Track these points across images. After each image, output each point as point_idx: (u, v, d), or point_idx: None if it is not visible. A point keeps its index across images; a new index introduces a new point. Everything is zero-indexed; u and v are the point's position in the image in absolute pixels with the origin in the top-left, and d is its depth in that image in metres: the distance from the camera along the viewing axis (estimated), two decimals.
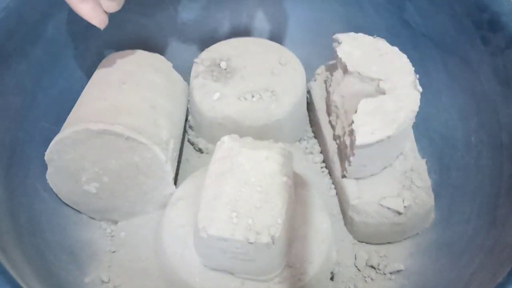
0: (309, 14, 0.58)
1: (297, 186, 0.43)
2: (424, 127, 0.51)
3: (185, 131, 0.54)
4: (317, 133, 0.54)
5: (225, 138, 0.42)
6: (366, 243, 0.48)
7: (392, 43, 0.47)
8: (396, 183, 0.46)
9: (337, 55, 0.47)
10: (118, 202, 0.46)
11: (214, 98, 0.50)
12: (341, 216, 0.49)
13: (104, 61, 0.50)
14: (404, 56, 0.46)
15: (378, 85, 0.44)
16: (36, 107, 0.47)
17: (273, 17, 0.59)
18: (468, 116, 0.48)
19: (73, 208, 0.47)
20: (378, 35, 0.48)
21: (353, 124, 0.42)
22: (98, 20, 0.42)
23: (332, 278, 0.45)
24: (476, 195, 0.45)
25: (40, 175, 0.45)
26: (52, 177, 0.44)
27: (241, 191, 0.38)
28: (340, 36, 0.48)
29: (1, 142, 0.43)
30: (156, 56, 0.52)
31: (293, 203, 0.41)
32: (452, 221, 0.46)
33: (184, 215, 0.43)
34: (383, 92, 0.44)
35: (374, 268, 0.46)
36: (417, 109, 0.43)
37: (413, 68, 0.45)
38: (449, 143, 0.50)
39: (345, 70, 0.46)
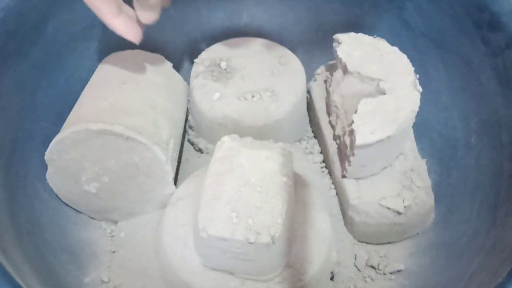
0: (309, 14, 0.58)
1: (297, 186, 0.43)
2: (424, 127, 0.51)
3: (185, 131, 0.54)
4: (317, 133, 0.54)
5: (225, 138, 0.42)
6: (366, 243, 0.48)
7: (392, 43, 0.47)
8: (396, 183, 0.46)
9: (337, 55, 0.47)
10: (118, 202, 0.46)
11: (214, 98, 0.50)
12: (341, 216, 0.49)
13: (104, 61, 0.50)
14: (404, 56, 0.46)
15: (378, 85, 0.44)
16: (36, 107, 0.47)
17: (273, 17, 0.59)
18: (468, 116, 0.48)
19: (73, 208, 0.47)
20: (378, 35, 0.48)
21: (353, 124, 0.42)
22: (133, 35, 0.42)
23: (332, 278, 0.45)
24: (476, 195, 0.45)
25: (40, 175, 0.45)
26: (52, 177, 0.44)
27: (241, 191, 0.38)
28: (340, 36, 0.48)
29: (1, 142, 0.43)
30: (156, 56, 0.52)
31: (293, 203, 0.41)
32: (452, 221, 0.46)
33: (184, 215, 0.43)
34: (383, 92, 0.44)
35: (374, 268, 0.46)
36: (417, 109, 0.43)
37: (413, 68, 0.45)
38: (449, 143, 0.50)
39: (345, 70, 0.46)
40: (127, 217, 0.47)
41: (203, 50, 0.54)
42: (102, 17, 0.41)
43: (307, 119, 0.56)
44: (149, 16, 0.42)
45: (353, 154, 0.43)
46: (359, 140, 0.42)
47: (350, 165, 0.45)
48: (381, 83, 0.44)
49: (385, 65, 0.45)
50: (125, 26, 0.41)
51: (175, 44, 0.58)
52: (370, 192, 0.46)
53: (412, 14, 0.52)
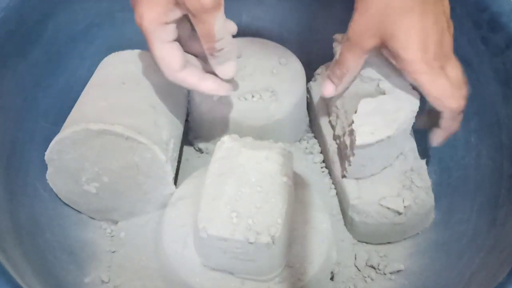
0: (309, 14, 0.58)
1: (297, 186, 0.43)
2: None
3: (185, 131, 0.54)
4: (317, 133, 0.54)
5: (225, 138, 0.42)
6: (366, 243, 0.48)
7: None
8: (396, 183, 0.46)
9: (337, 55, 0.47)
10: (118, 202, 0.46)
11: (214, 99, 0.50)
12: (341, 216, 0.49)
13: (104, 61, 0.50)
14: None
15: (378, 85, 0.44)
16: (36, 107, 0.47)
17: (273, 17, 0.59)
18: (468, 116, 0.48)
19: (73, 208, 0.47)
20: None
21: (353, 124, 0.42)
22: (224, 90, 0.42)
23: (332, 278, 0.45)
24: (476, 195, 0.45)
25: (40, 175, 0.45)
26: (52, 177, 0.44)
27: (241, 191, 0.38)
28: (340, 36, 0.48)
29: (1, 142, 0.43)
30: None
31: (293, 203, 0.41)
32: (452, 221, 0.46)
33: (184, 215, 0.43)
34: (383, 92, 0.44)
35: (374, 268, 0.46)
36: (417, 109, 0.43)
37: None
38: (449, 143, 0.50)
39: None
40: (127, 217, 0.47)
41: None
42: (191, 87, 0.41)
43: (307, 119, 0.56)
44: (227, 70, 0.41)
45: (353, 154, 0.43)
46: (359, 140, 0.42)
47: (350, 165, 0.45)
48: (381, 83, 0.44)
49: (385, 65, 0.45)
50: (214, 86, 0.42)
51: None
52: (370, 192, 0.46)
53: None
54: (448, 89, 0.40)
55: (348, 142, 0.45)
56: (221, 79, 0.42)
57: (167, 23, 0.38)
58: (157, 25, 0.38)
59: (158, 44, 0.38)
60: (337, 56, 0.47)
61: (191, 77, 0.40)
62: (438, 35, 0.39)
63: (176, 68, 0.39)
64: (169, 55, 0.39)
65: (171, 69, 0.40)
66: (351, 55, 0.42)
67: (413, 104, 0.43)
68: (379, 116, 0.42)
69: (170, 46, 0.39)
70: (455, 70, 0.41)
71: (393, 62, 0.41)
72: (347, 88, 0.45)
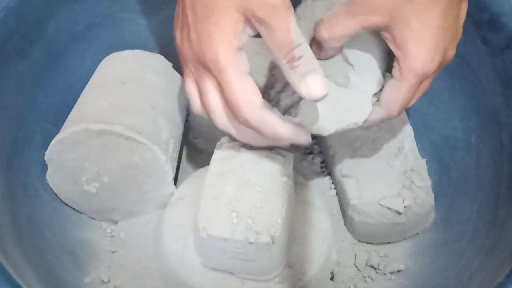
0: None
1: (297, 186, 0.43)
2: (424, 127, 0.51)
3: (185, 131, 0.54)
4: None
5: (225, 138, 0.42)
6: (366, 243, 0.48)
7: None
8: (396, 183, 0.46)
9: None
10: (118, 202, 0.46)
11: None
12: (341, 216, 0.49)
13: (104, 61, 0.50)
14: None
15: (348, 74, 0.38)
16: (36, 107, 0.47)
17: None
18: (468, 116, 0.48)
19: (73, 208, 0.47)
20: None
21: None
22: (305, 136, 0.36)
23: (332, 278, 0.45)
24: (476, 195, 0.45)
25: (40, 175, 0.45)
26: (52, 177, 0.44)
27: (241, 191, 0.38)
28: None
29: (1, 142, 0.43)
30: (156, 56, 0.52)
31: (293, 203, 0.41)
32: (452, 221, 0.46)
33: (184, 215, 0.43)
34: (346, 85, 0.38)
35: (374, 268, 0.46)
36: (361, 124, 0.38)
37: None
38: (449, 143, 0.50)
39: None
40: (127, 217, 0.47)
41: None
42: (270, 128, 0.35)
43: None
44: (314, 83, 0.32)
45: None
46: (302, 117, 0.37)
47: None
48: (351, 74, 0.38)
49: (370, 57, 0.39)
50: (295, 130, 0.35)
51: (175, 44, 0.58)
52: (370, 192, 0.46)
53: None
54: (406, 103, 0.37)
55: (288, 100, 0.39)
56: (301, 127, 0.36)
57: (240, 49, 0.34)
58: (232, 53, 0.33)
59: (238, 76, 0.33)
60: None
61: (273, 116, 0.34)
62: (447, 42, 0.36)
63: (258, 103, 0.34)
64: (251, 88, 0.34)
65: (253, 105, 0.34)
66: (347, 22, 0.35)
67: (361, 116, 0.38)
68: (328, 110, 0.37)
69: (250, 78, 0.34)
70: (427, 85, 0.37)
71: (392, 47, 0.36)
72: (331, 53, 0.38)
